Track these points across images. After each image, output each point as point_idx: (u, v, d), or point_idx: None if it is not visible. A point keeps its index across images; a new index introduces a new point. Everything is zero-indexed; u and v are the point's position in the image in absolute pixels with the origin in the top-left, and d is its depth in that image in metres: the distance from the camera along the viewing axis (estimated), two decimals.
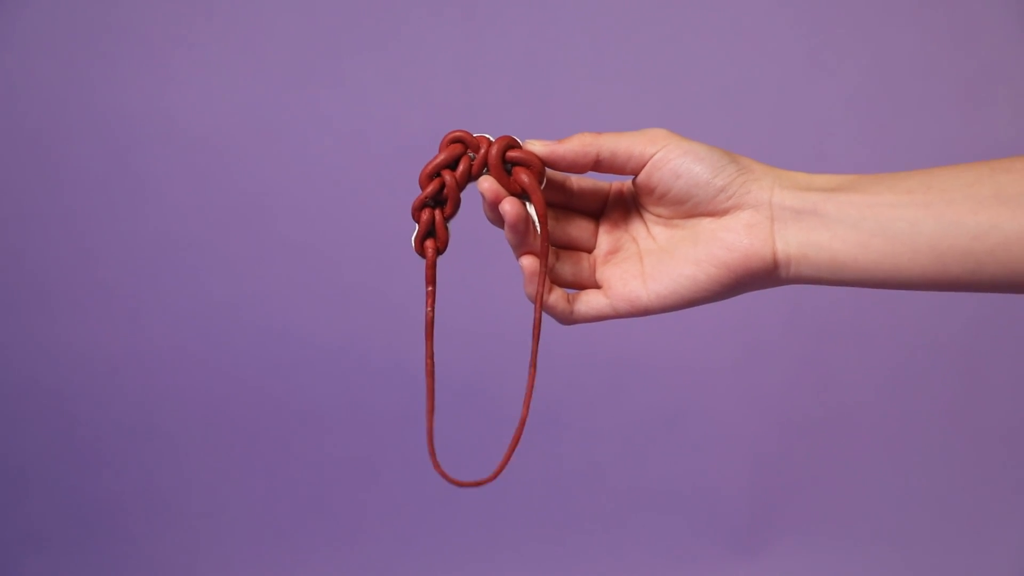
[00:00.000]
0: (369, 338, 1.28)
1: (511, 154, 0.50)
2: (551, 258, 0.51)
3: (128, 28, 1.23)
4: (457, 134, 0.50)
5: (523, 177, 0.49)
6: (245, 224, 1.27)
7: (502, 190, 0.49)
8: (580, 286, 0.53)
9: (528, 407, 0.50)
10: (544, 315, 0.52)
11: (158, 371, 1.30)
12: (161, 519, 1.31)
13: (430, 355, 0.50)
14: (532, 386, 0.51)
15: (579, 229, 0.53)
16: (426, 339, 0.50)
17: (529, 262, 0.50)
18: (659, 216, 0.51)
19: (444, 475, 0.50)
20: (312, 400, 1.30)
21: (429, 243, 0.50)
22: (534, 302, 0.51)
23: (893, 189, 0.47)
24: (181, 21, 1.23)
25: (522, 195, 0.50)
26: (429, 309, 0.50)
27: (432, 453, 0.50)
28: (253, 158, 1.26)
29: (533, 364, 0.51)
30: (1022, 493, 1.28)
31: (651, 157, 0.49)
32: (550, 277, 0.51)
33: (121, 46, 1.23)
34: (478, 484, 0.50)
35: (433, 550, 1.29)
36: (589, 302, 0.52)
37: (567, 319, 0.52)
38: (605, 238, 0.53)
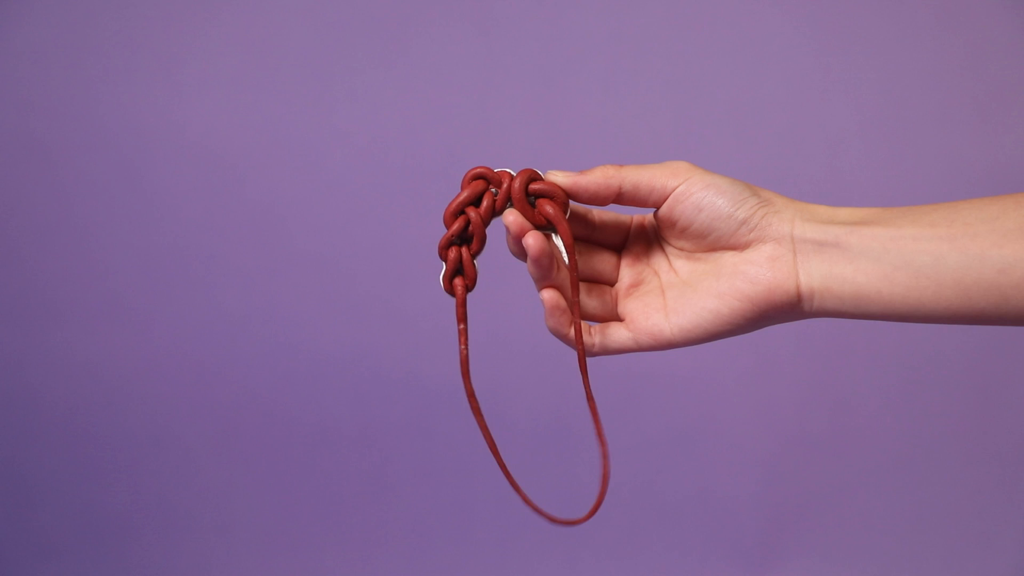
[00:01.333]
0: (382, 350, 1.28)
1: (534, 186, 0.50)
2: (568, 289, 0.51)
3: (141, 39, 1.23)
4: (479, 170, 0.50)
5: (548, 208, 0.49)
6: (257, 236, 1.27)
7: (527, 223, 0.49)
8: (603, 319, 0.53)
9: (604, 441, 0.50)
10: (557, 340, 0.52)
11: (169, 382, 1.29)
12: (173, 531, 1.30)
13: (471, 394, 0.49)
14: (597, 416, 0.51)
15: (601, 262, 0.53)
16: (463, 378, 0.50)
17: (551, 295, 0.50)
18: (681, 249, 0.51)
19: (542, 513, 0.50)
20: (325, 412, 1.30)
21: (458, 281, 0.50)
22: (557, 335, 0.51)
23: (916, 223, 0.47)
24: (194, 32, 1.23)
25: (547, 227, 0.50)
26: (463, 347, 0.50)
27: (519, 491, 0.50)
28: (265, 170, 1.26)
29: (589, 396, 0.51)
30: None
31: (673, 190, 0.49)
32: (571, 308, 0.51)
33: (133, 57, 1.23)
34: (575, 523, 0.50)
35: (445, 563, 1.29)
36: (612, 335, 0.51)
37: (589, 352, 0.52)
38: (627, 271, 0.53)
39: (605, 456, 0.50)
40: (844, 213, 0.49)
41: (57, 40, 1.23)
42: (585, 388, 0.51)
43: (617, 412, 1.29)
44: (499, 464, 0.51)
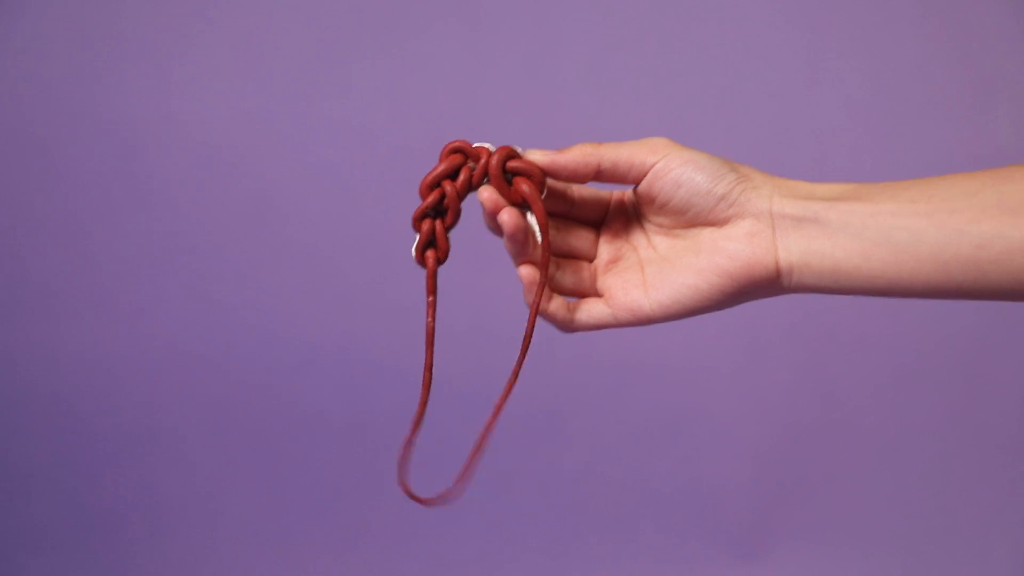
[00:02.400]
0: (373, 340, 1.28)
1: (511, 164, 0.50)
2: (552, 267, 0.51)
3: (133, 33, 1.23)
4: (457, 144, 0.50)
5: (523, 187, 0.49)
6: (249, 227, 1.27)
7: (502, 200, 0.49)
8: (581, 295, 0.53)
9: (496, 415, 0.50)
10: (544, 323, 0.52)
11: (161, 373, 1.30)
12: (164, 522, 1.31)
13: (429, 366, 0.50)
14: (507, 395, 0.51)
15: (580, 238, 0.53)
16: (426, 349, 0.50)
17: (528, 271, 0.50)
18: (660, 225, 0.51)
19: (408, 491, 0.51)
20: (316, 403, 1.30)
21: (430, 253, 0.50)
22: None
23: (895, 198, 0.47)
24: (186, 25, 1.23)
25: (523, 205, 0.50)
26: (430, 319, 0.50)
27: (402, 465, 0.50)
28: (258, 160, 1.26)
29: (515, 373, 0.51)
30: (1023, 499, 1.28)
31: (652, 167, 0.49)
32: (551, 286, 0.51)
33: (125, 51, 1.23)
34: (435, 502, 0.51)
35: (435, 554, 1.29)
36: (590, 311, 0.51)
37: (567, 327, 0.52)
38: (606, 247, 0.53)
39: (487, 428, 0.50)
40: (823, 189, 0.49)
41: (49, 33, 1.23)
42: (518, 362, 0.51)
43: (608, 400, 1.29)
44: (410, 436, 0.51)
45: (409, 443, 0.50)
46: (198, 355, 1.29)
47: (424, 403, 0.50)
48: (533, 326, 0.50)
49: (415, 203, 0.50)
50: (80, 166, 1.26)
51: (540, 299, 0.50)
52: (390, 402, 1.29)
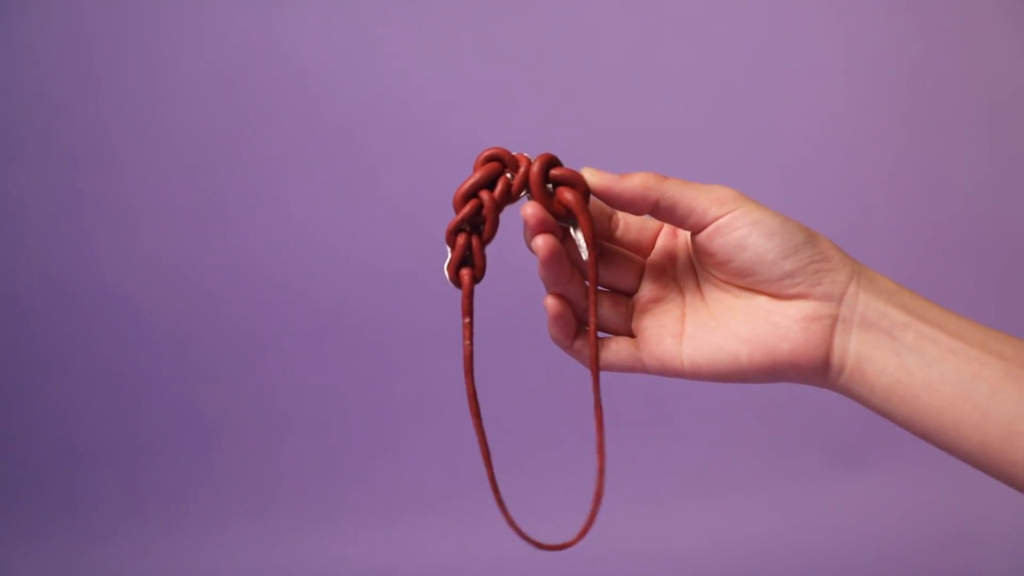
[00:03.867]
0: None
1: (554, 172, 0.45)
2: (587, 296, 0.46)
3: None
4: (494, 151, 0.45)
5: (567, 195, 0.45)
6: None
7: (548, 216, 0.44)
8: (613, 332, 0.48)
9: (603, 455, 0.45)
10: (576, 355, 0.47)
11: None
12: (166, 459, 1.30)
13: (472, 395, 0.45)
14: (601, 429, 0.46)
15: (622, 268, 0.48)
16: (465, 377, 0.45)
17: (554, 305, 0.45)
18: (714, 276, 0.46)
19: (524, 536, 0.45)
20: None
21: (465, 271, 0.45)
22: (560, 345, 0.47)
23: (985, 347, 0.42)
24: None
25: (565, 218, 0.46)
26: (467, 343, 0.45)
27: (504, 510, 0.45)
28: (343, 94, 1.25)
29: (598, 405, 0.46)
30: None
31: (714, 220, 0.44)
32: (581, 317, 0.47)
33: None
34: (561, 548, 0.46)
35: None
36: (618, 351, 0.47)
37: (589, 364, 0.47)
38: (649, 284, 0.48)
39: (601, 472, 0.45)
40: (907, 296, 0.44)
41: None
42: (595, 397, 0.46)
43: None
44: (490, 480, 0.46)
45: (493, 483, 0.45)
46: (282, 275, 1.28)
47: (481, 434, 0.45)
48: (596, 353, 0.46)
49: (448, 216, 0.46)
50: (185, 83, 1.25)
51: (595, 318, 0.45)
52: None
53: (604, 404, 0.46)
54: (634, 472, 1.27)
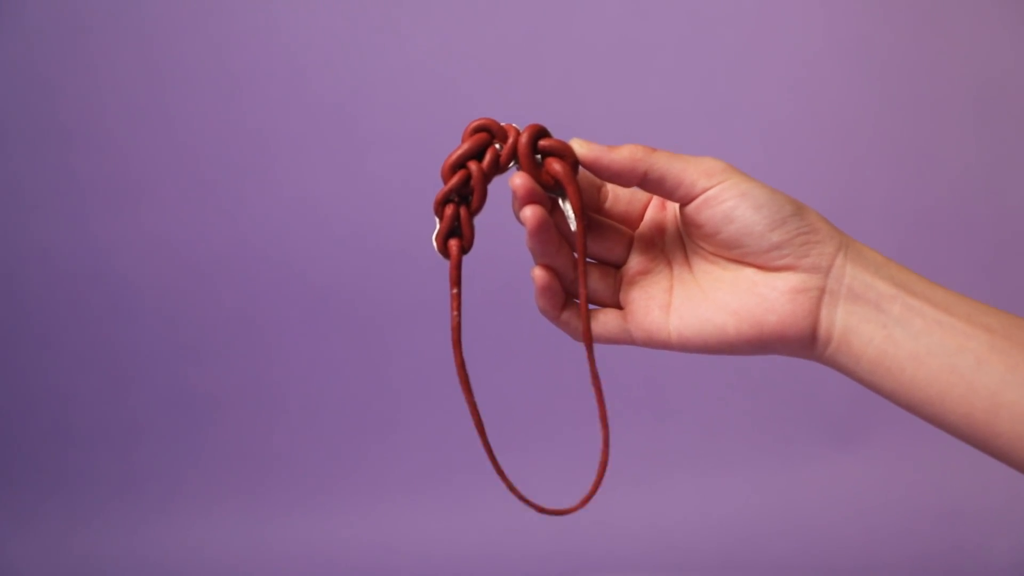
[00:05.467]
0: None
1: (543, 143, 0.45)
2: (574, 268, 0.46)
3: None
4: (482, 122, 0.45)
5: (556, 166, 0.44)
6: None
7: (537, 187, 0.44)
8: (600, 303, 0.48)
9: (606, 425, 0.45)
10: (564, 326, 0.47)
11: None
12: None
13: (461, 364, 0.44)
14: (602, 399, 0.46)
15: (611, 240, 0.48)
16: (454, 348, 0.45)
17: (541, 275, 0.45)
18: (702, 247, 0.46)
19: (525, 500, 0.45)
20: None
21: (453, 242, 0.45)
22: (547, 316, 0.46)
23: (971, 319, 0.42)
24: None
25: (553, 189, 0.45)
26: (455, 314, 0.45)
27: (504, 478, 0.45)
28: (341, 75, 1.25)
29: (595, 376, 0.46)
30: None
31: (703, 192, 0.44)
32: (569, 289, 0.47)
33: None
34: (563, 513, 0.45)
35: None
36: (606, 323, 0.47)
37: (575, 335, 0.47)
38: (638, 256, 0.48)
39: (605, 442, 0.45)
40: (895, 269, 0.44)
41: None
42: (591, 369, 0.46)
43: None
44: (484, 446, 0.46)
45: (488, 450, 0.45)
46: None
47: (472, 406, 0.45)
48: (588, 323, 0.46)
49: (436, 187, 0.45)
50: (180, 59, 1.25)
51: (585, 289, 0.45)
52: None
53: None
54: (626, 450, 1.26)
